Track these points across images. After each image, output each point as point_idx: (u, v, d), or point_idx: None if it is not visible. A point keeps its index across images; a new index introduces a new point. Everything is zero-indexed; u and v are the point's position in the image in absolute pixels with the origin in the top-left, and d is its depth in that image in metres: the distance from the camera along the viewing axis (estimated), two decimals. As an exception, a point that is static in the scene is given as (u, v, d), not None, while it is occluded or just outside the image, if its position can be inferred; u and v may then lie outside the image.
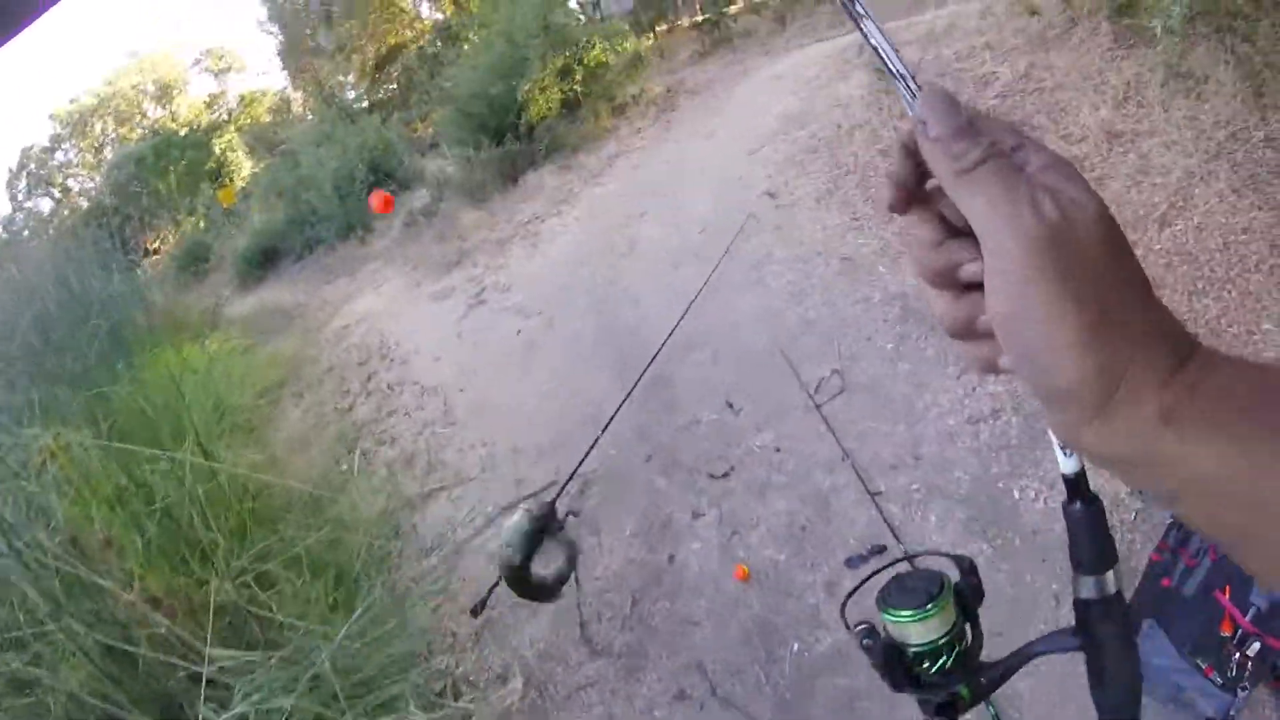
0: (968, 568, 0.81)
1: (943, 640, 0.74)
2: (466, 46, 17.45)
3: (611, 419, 4.63)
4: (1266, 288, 4.23)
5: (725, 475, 4.71)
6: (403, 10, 22.84)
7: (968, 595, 0.78)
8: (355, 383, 8.23)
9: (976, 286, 0.48)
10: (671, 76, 14.64)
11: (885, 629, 0.77)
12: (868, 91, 7.84)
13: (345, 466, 6.38)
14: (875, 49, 0.58)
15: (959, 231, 0.51)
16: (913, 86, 0.56)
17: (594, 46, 13.00)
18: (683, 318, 5.25)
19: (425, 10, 23.74)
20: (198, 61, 32.15)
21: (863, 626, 0.79)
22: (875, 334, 5.17)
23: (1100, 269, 0.43)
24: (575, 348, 6.72)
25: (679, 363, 5.62)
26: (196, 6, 73.53)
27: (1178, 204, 5.11)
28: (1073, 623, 0.69)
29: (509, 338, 7.52)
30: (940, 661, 0.74)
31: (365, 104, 22.62)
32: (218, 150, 27.87)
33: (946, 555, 0.86)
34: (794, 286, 5.82)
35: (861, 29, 0.58)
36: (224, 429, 6.90)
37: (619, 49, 13.38)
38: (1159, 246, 4.97)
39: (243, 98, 31.55)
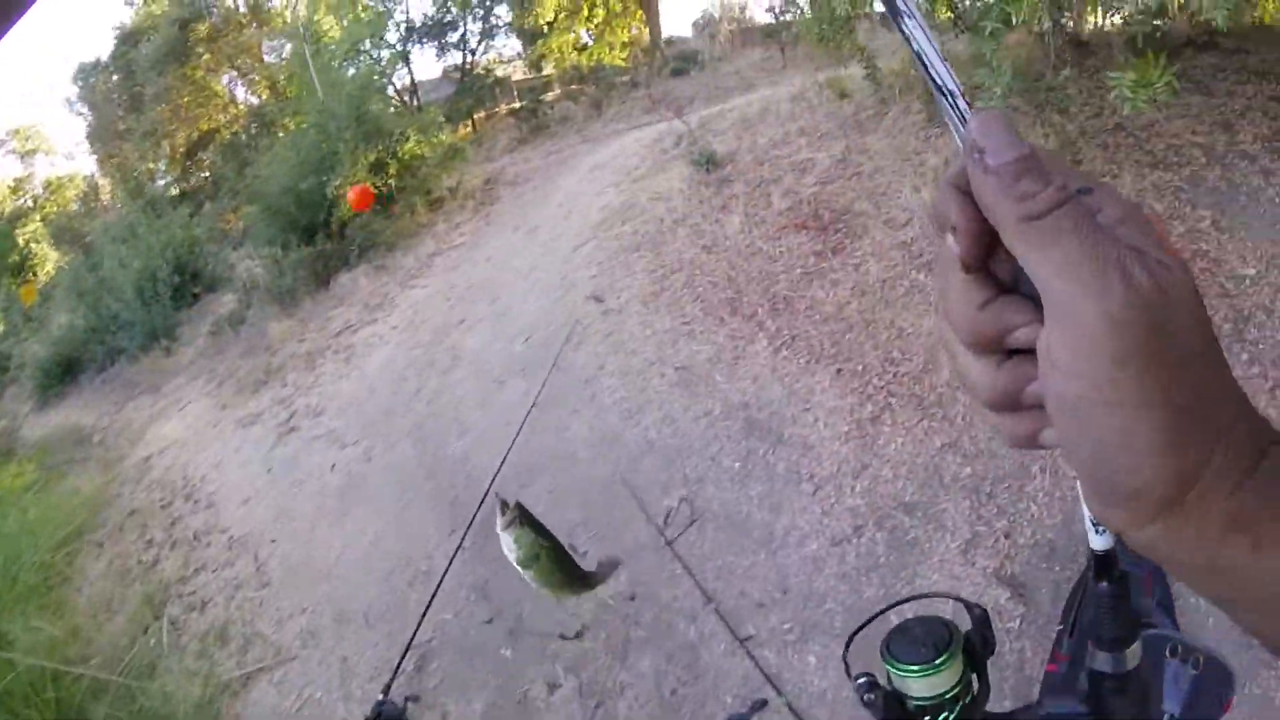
0: (980, 617, 0.82)
1: (949, 694, 0.74)
2: (281, 135, 16.44)
3: (444, 576, 3.87)
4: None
5: (579, 635, 4.08)
6: (216, 94, 21.48)
7: (977, 647, 0.79)
8: (159, 530, 7.10)
9: (1024, 352, 0.40)
10: (491, 165, 14.19)
11: (889, 679, 0.77)
12: (688, 185, 7.54)
13: (154, 641, 5.48)
14: (917, 55, 0.43)
15: (1005, 287, 0.41)
16: (962, 106, 0.42)
17: (409, 139, 12.35)
18: (511, 447, 4.57)
19: (241, 94, 22.47)
20: (2, 143, 29.26)
21: (863, 680, 0.79)
22: (720, 453, 4.66)
23: (1193, 353, 0.35)
24: (398, 484, 5.89)
25: (513, 500, 4.92)
26: (2, 83, 67.68)
27: None
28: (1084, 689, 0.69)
29: (323, 473, 6.59)
30: (943, 716, 0.74)
31: (176, 191, 21.15)
32: (21, 241, 25.38)
33: (959, 600, 0.81)
34: (629, 403, 5.25)
35: (902, 29, 0.43)
36: (18, 594, 6.00)
37: (435, 140, 12.79)
38: None
39: (49, 183, 28.95)
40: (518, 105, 18.09)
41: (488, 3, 17.80)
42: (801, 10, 17.33)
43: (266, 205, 12.72)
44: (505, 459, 4.39)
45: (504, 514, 1.91)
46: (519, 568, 1.80)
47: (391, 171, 12.12)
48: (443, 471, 5.71)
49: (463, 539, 4.27)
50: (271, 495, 6.73)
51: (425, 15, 17.34)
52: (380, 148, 12.01)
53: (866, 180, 6.39)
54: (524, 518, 1.86)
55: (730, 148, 8.02)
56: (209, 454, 8.21)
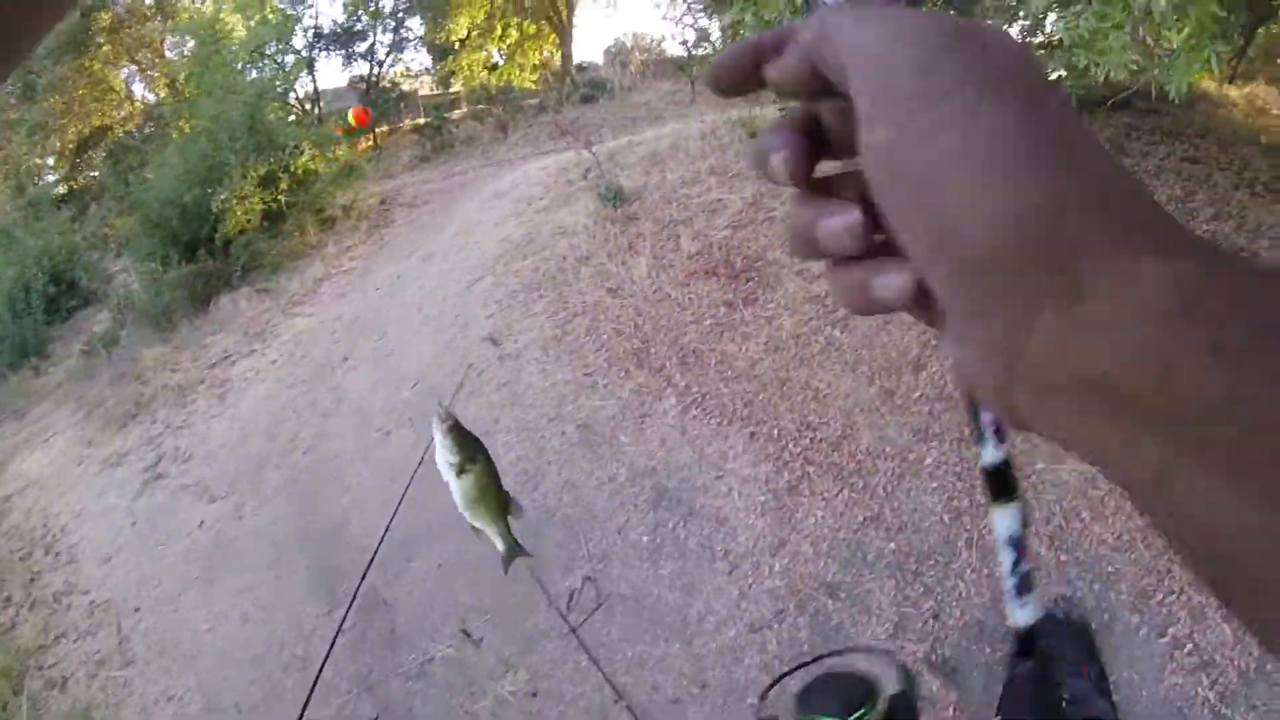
0: (905, 678, 0.81)
1: None
2: (175, 139, 15.21)
3: (323, 665, 3.33)
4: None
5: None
6: (113, 88, 19.58)
7: (900, 712, 0.75)
8: (17, 586, 6.28)
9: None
10: (389, 183, 13.50)
11: None
12: (593, 220, 7.14)
13: (14, 720, 4.82)
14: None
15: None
16: None
17: (303, 152, 11.54)
18: (396, 512, 4.05)
19: (139, 90, 20.47)
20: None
21: None
22: (627, 525, 4.25)
23: (1020, 79, 0.27)
24: (271, 549, 5.25)
25: (399, 576, 4.45)
26: None
27: (929, 344, 4.73)
28: None
29: (190, 530, 5.87)
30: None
31: (63, 190, 19.39)
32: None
33: (888, 657, 0.77)
34: (527, 464, 4.78)
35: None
36: None
37: (331, 155, 12.02)
38: (918, 392, 4.54)
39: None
40: (422, 121, 17.39)
41: (400, 14, 17.09)
42: (714, 45, 17.59)
43: (147, 216, 11.61)
44: (389, 527, 3.89)
45: (441, 421, 1.75)
46: (451, 475, 1.68)
47: (283, 186, 11.28)
48: (320, 536, 5.10)
49: (343, 620, 3.78)
50: (135, 554, 5.96)
51: (334, 22, 16.52)
52: (272, 160, 11.17)
53: (779, 227, 6.12)
54: (458, 427, 1.73)
55: (638, 183, 7.67)
56: (71, 499, 7.30)
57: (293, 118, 14.97)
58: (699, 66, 15.82)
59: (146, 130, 18.33)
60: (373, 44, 17.03)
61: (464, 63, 18.37)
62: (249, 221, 10.93)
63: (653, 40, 22.16)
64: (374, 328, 7.38)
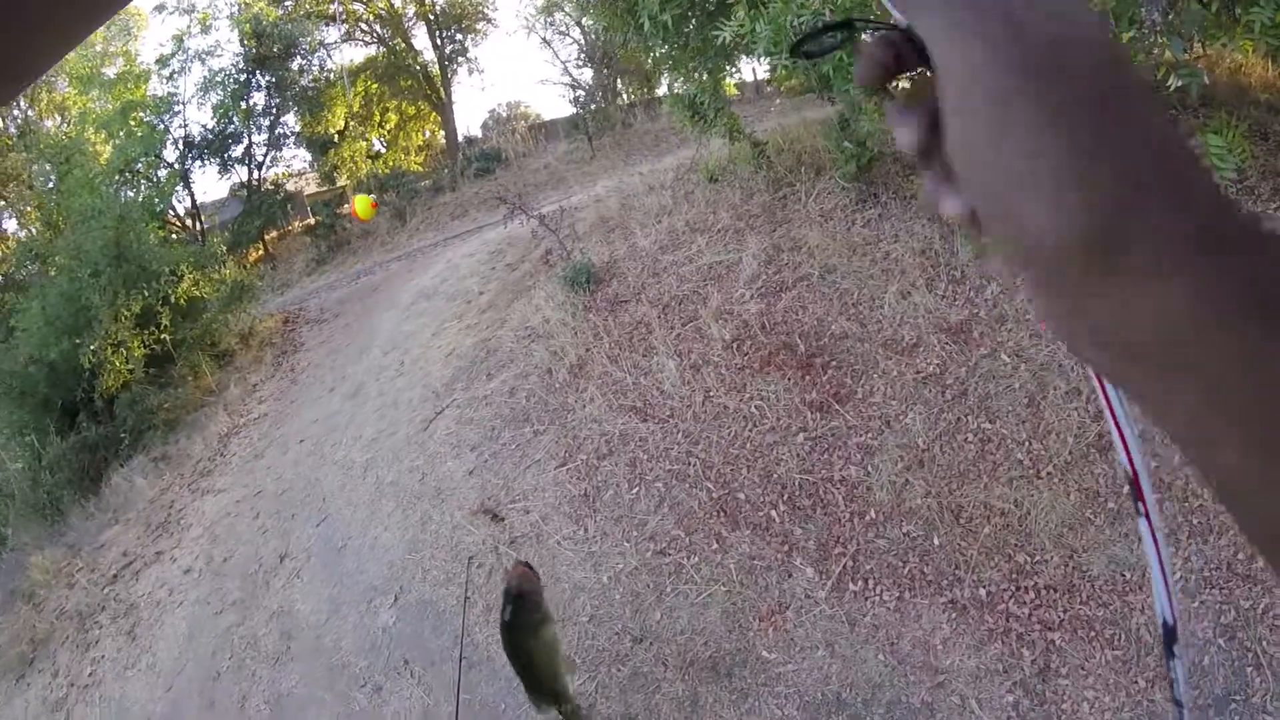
0: None
1: None
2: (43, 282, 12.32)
3: None
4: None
5: None
6: None
7: None
8: None
9: None
10: (289, 294, 11.27)
11: None
12: (568, 313, 5.26)
13: None
14: None
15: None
16: None
17: (182, 277, 9.20)
18: None
19: (10, 226, 16.99)
20: None
21: None
22: None
23: (1096, 83, 0.29)
24: None
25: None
26: None
27: (1097, 411, 3.05)
28: None
29: None
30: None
31: None
32: None
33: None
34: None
35: None
36: None
37: (216, 277, 9.71)
38: (1122, 482, 2.80)
39: None
40: (313, 221, 15.10)
41: (273, 111, 14.78)
42: (602, 104, 16.18)
43: (11, 384, 8.96)
44: None
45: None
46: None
47: (164, 322, 8.91)
48: None
49: None
50: None
51: (205, 128, 14.02)
52: (148, 292, 8.79)
53: (826, 288, 4.43)
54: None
55: (605, 256, 5.88)
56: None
57: (175, 237, 12.46)
58: (595, 121, 14.28)
59: (24, 271, 15.20)
60: (249, 146, 14.64)
61: (346, 154, 16.24)
62: (130, 372, 8.46)
63: (524, 107, 20.61)
64: (308, 503, 5.27)
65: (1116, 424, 0.41)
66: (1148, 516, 0.42)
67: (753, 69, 13.07)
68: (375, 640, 3.75)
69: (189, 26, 14.35)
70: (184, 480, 6.93)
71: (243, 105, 14.32)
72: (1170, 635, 0.48)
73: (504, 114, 19.91)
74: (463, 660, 3.14)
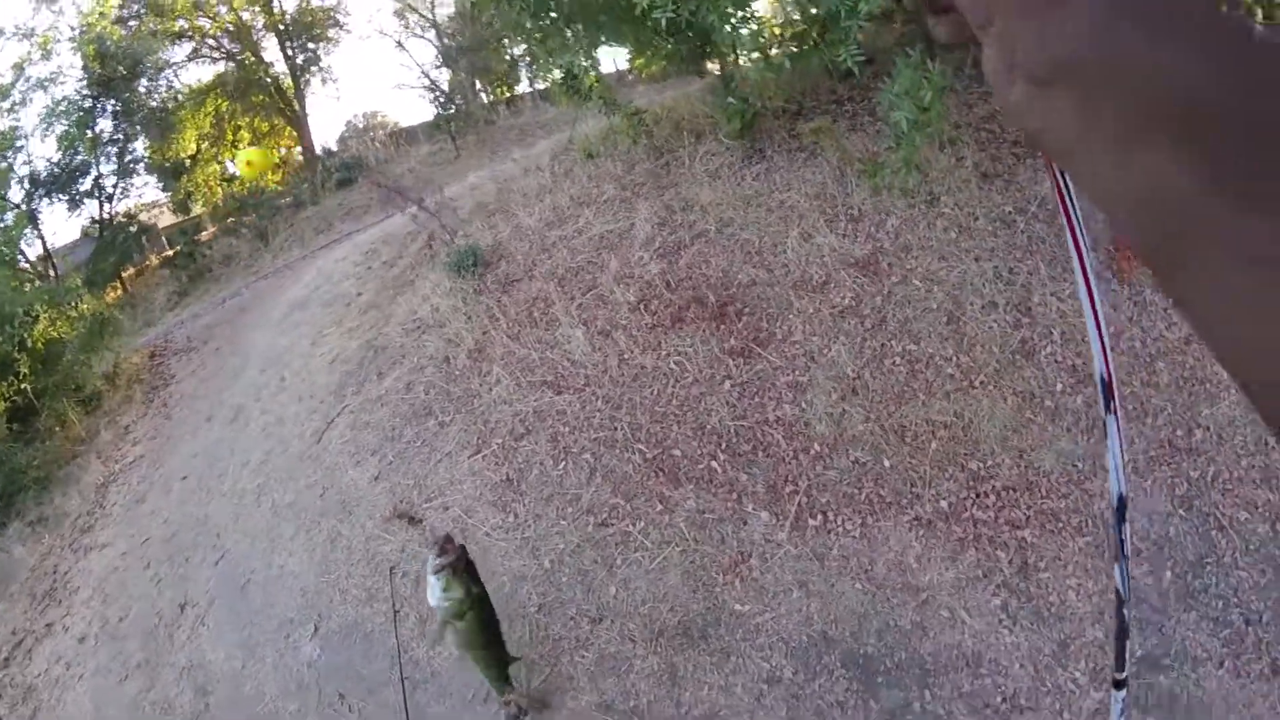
0: None
1: None
2: None
3: None
4: None
5: None
6: None
7: None
8: None
9: None
10: (153, 331, 10.27)
11: None
12: (459, 298, 4.88)
13: None
14: None
15: None
16: None
17: (37, 318, 8.15)
18: None
19: None
20: None
21: None
22: None
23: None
24: None
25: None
26: None
27: (1022, 314, 3.08)
28: None
29: None
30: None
31: None
32: None
33: None
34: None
35: None
36: None
37: (74, 314, 8.66)
38: (1056, 380, 2.84)
39: None
40: (171, 253, 13.79)
41: (120, 138, 13.27)
42: (462, 104, 15.57)
43: None
44: None
45: (440, 554, 1.72)
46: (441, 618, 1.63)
47: (24, 371, 7.87)
48: None
49: None
50: None
51: (50, 162, 12.41)
52: (2, 338, 7.74)
53: (726, 240, 4.24)
54: (460, 564, 1.67)
55: (488, 240, 5.52)
56: None
57: (27, 285, 11.11)
58: (457, 122, 13.76)
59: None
60: (97, 178, 13.10)
61: (199, 179, 14.98)
62: (-11, 430, 7.51)
63: (384, 115, 19.76)
64: (202, 543, 4.66)
65: (1098, 325, 0.48)
66: (1116, 413, 0.49)
67: (613, 59, 12.89)
68: (301, 678, 3.28)
69: (29, 53, 12.76)
70: (64, 540, 6.08)
71: (89, 133, 12.89)
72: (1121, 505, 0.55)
73: (361, 124, 18.97)
74: (405, 681, 2.76)
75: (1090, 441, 2.91)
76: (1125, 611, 0.66)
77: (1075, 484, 2.75)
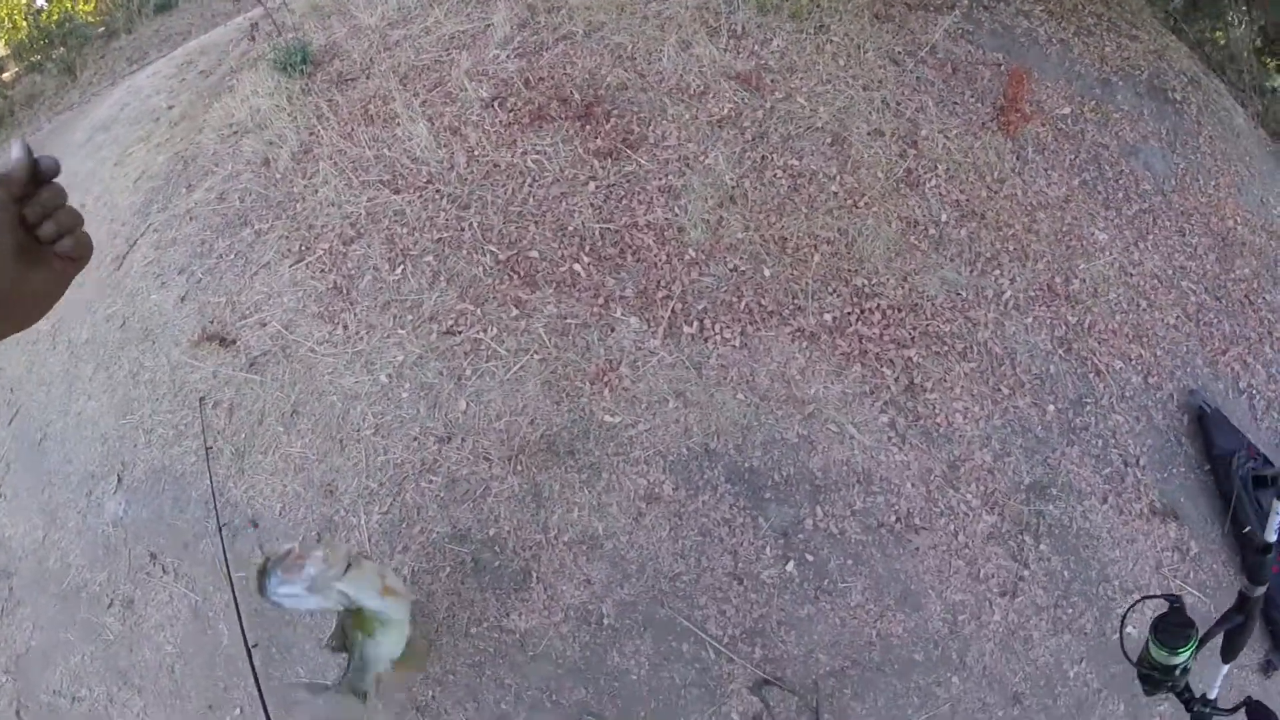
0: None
1: None
2: None
3: None
4: None
5: None
6: None
7: None
8: None
9: None
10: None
11: None
12: (285, 98, 3.97)
13: None
14: None
15: None
16: None
17: None
18: None
19: None
20: None
21: None
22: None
23: None
24: None
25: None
26: None
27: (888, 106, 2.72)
28: None
29: None
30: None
31: None
32: None
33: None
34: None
35: None
36: None
37: None
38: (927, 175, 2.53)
39: None
40: (-37, 98, 11.29)
41: None
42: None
43: None
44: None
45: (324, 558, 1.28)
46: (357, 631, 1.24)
47: None
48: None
49: None
50: None
51: None
52: None
53: (594, 44, 3.59)
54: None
55: (320, 40, 4.57)
56: None
57: None
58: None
59: None
60: None
61: (2, 13, 12.16)
62: None
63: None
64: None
65: None
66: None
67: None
68: (108, 541, 2.60)
69: None
70: None
71: None
72: None
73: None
74: (222, 529, 2.17)
75: (973, 274, 2.65)
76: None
77: (960, 311, 2.47)
